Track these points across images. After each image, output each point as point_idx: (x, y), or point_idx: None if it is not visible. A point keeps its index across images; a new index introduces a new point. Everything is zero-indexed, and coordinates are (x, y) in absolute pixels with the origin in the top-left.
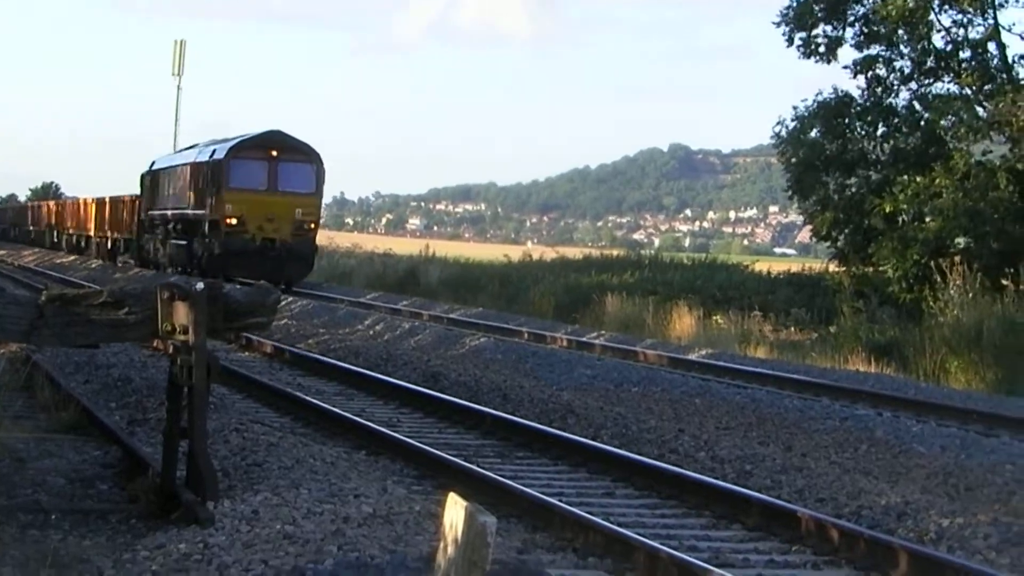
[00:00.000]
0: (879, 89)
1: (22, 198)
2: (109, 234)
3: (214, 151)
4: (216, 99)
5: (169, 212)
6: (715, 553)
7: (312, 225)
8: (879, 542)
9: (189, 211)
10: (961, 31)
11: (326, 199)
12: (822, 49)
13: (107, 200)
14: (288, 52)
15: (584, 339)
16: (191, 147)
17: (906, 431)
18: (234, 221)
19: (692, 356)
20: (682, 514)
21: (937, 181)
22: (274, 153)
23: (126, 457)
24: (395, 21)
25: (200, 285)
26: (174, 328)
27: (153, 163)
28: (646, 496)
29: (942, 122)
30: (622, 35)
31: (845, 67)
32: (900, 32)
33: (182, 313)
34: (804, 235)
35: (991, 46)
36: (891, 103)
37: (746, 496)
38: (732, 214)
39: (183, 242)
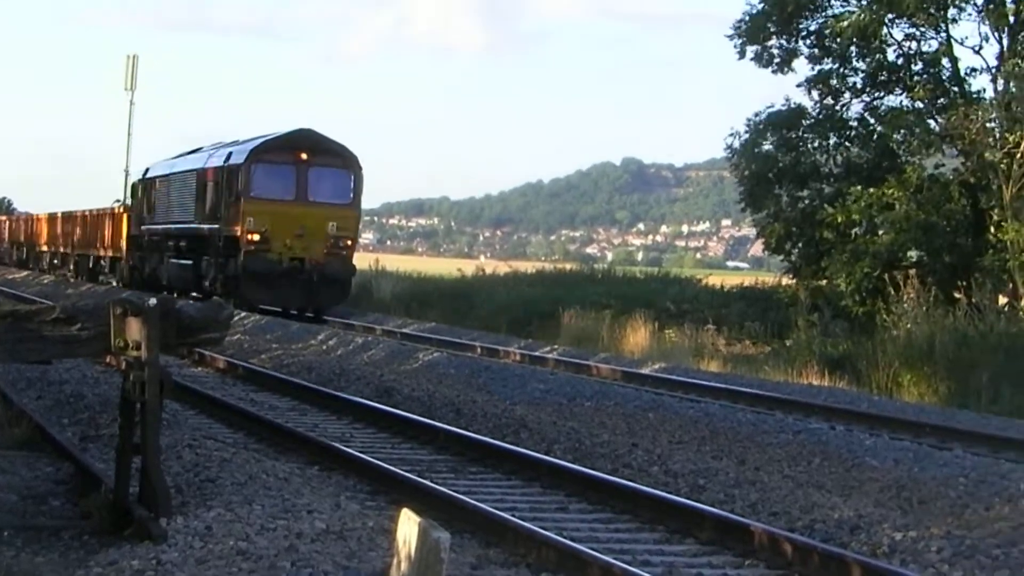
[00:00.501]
0: (832, 101)
1: None
2: (90, 252)
3: (229, 154)
4: (168, 113)
5: (171, 227)
6: (669, 568)
7: (348, 242)
8: (832, 556)
9: (197, 225)
10: (914, 44)
11: None
12: (777, 60)
13: (86, 214)
14: (236, 65)
15: (537, 353)
16: (194, 151)
17: (859, 444)
18: (256, 237)
19: (645, 370)
20: (636, 528)
21: (890, 192)
22: (304, 156)
23: (79, 473)
24: (344, 34)
25: (153, 301)
26: (127, 344)
27: (147, 170)
28: (600, 511)
29: (895, 136)
30: (574, 48)
31: (799, 85)
32: (853, 48)
33: (135, 329)
34: (757, 249)
35: (943, 60)
36: (844, 116)
37: (699, 510)
38: (685, 228)
39: (188, 262)
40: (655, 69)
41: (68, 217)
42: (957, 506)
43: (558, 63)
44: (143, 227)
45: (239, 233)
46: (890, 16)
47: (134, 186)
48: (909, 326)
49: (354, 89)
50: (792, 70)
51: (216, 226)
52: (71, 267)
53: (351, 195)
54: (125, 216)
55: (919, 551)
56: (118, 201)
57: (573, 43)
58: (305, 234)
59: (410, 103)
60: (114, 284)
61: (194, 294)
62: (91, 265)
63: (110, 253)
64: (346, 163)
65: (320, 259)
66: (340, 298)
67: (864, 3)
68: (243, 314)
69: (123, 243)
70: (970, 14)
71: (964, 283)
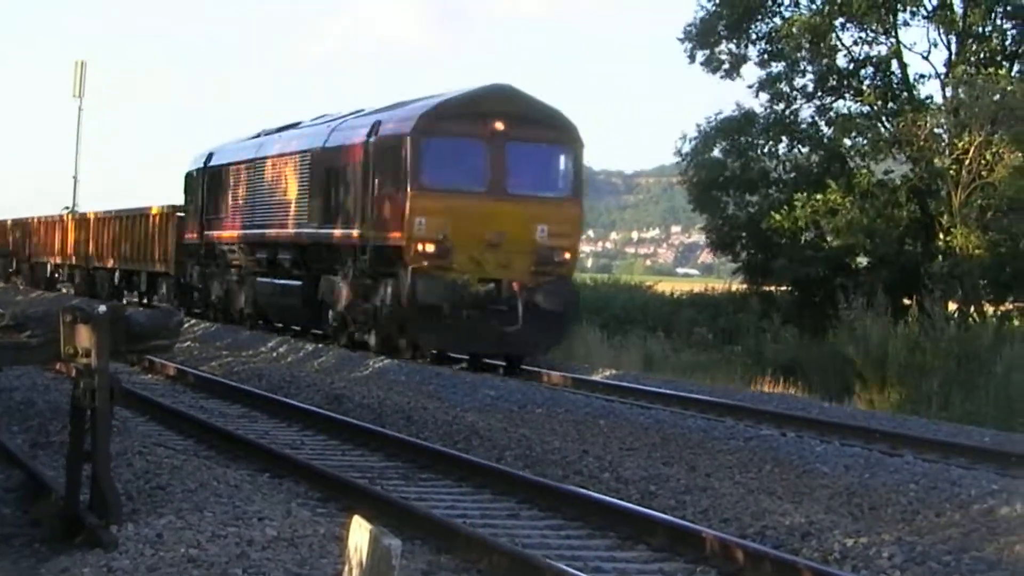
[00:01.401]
0: (782, 106)
1: None
2: (120, 265)
3: (377, 124)
4: (119, 124)
5: (261, 232)
6: (620, 574)
7: (567, 255)
8: (784, 562)
9: (314, 230)
10: (864, 49)
11: None
12: (726, 65)
13: (116, 217)
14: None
15: (487, 360)
16: (293, 125)
17: (810, 451)
18: (430, 248)
19: (596, 377)
20: (587, 535)
21: (833, 198)
22: (500, 126)
23: (29, 481)
24: (296, 46)
25: (102, 308)
26: (77, 351)
27: (210, 155)
28: (551, 517)
29: (845, 140)
30: (524, 55)
31: (749, 86)
32: (803, 51)
33: (85, 336)
34: (706, 255)
35: (893, 64)
36: (794, 120)
37: (651, 517)
38: (635, 234)
39: (293, 283)
40: (606, 72)
41: (82, 221)
42: (908, 512)
43: (511, 69)
44: (210, 233)
45: (404, 242)
46: (840, 19)
47: (188, 178)
48: (859, 332)
49: (304, 100)
50: (740, 76)
51: (351, 231)
52: (101, 284)
53: (571, 184)
54: (174, 220)
55: (870, 557)
56: (67, 208)
57: (524, 48)
58: (503, 243)
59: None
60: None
61: (314, 331)
62: (116, 282)
63: (154, 267)
64: (561, 135)
65: (526, 280)
66: (554, 341)
67: (815, 5)
68: (193, 321)
69: (170, 255)
70: (919, 19)
71: (914, 289)
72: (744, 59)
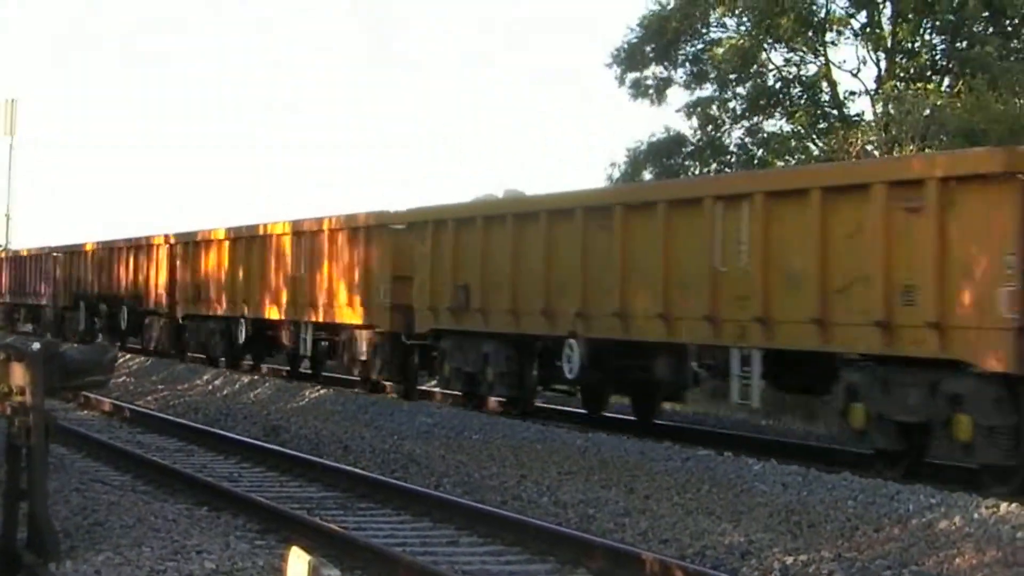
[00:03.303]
0: (711, 128)
1: None
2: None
3: None
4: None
5: None
6: None
7: None
8: None
9: None
10: (793, 69)
11: None
12: (652, 92)
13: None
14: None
15: (424, 387)
16: None
17: (748, 470)
18: None
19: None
20: (526, 560)
21: None
22: None
23: None
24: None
25: (36, 345)
26: (11, 389)
27: None
28: (490, 543)
29: (776, 161)
30: (454, 74)
31: (678, 111)
32: (732, 75)
33: (19, 374)
34: None
35: (822, 83)
36: (724, 142)
37: (590, 540)
38: None
39: None
40: (538, 97)
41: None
42: (847, 528)
43: (441, 93)
44: None
45: None
46: (769, 41)
47: None
48: None
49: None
50: (666, 101)
51: None
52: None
53: None
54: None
55: (810, 575)
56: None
57: (453, 68)
58: None
59: (292, 131)
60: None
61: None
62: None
63: None
64: None
65: None
66: None
67: (743, 29)
68: (128, 356)
69: None
70: (848, 37)
71: None
72: (670, 82)
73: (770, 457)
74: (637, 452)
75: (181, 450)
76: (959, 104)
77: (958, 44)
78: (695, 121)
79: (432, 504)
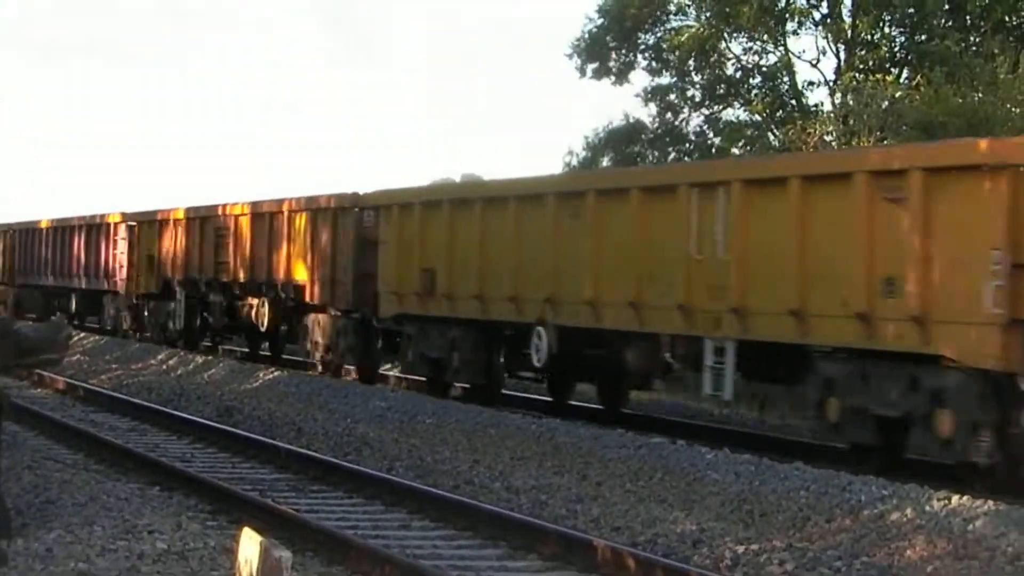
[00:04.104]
0: (670, 115)
1: None
2: None
3: None
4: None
5: None
6: None
7: None
8: (675, 570)
9: None
10: (753, 58)
11: None
12: (615, 72)
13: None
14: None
15: (379, 371)
16: None
17: (700, 458)
18: None
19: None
20: (478, 545)
21: None
22: None
23: None
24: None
25: None
26: None
27: None
28: (442, 527)
29: (733, 149)
30: (412, 57)
31: (636, 95)
32: (691, 62)
33: None
34: None
35: (782, 73)
36: (683, 130)
37: (541, 526)
38: None
39: None
40: (494, 83)
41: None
42: (799, 518)
43: (395, 72)
44: None
45: None
46: (728, 30)
47: None
48: None
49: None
50: (629, 82)
51: None
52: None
53: None
54: None
55: (761, 564)
56: None
57: (412, 53)
58: None
59: (260, 117)
60: None
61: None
62: None
63: None
64: None
65: None
66: None
67: (703, 18)
68: (82, 334)
69: None
70: (808, 28)
71: None
72: (632, 65)
73: (723, 446)
74: (591, 438)
75: (134, 429)
76: (917, 97)
77: (917, 37)
78: (653, 108)
79: (384, 488)
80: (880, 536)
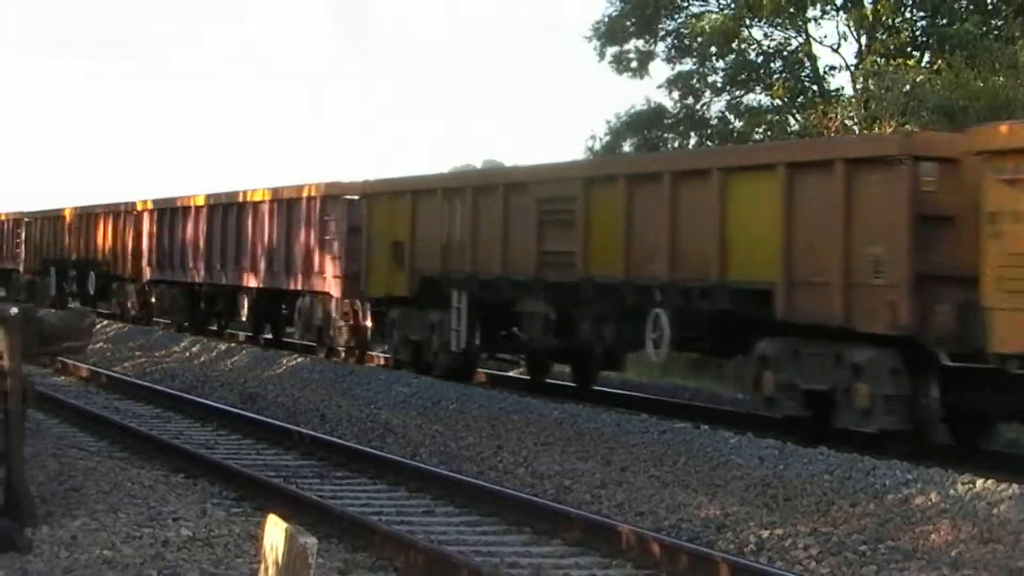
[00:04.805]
0: (692, 101)
1: None
2: None
3: None
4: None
5: None
6: (536, 569)
7: None
8: (700, 555)
9: None
10: (773, 43)
11: None
12: (634, 64)
13: None
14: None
15: (402, 357)
16: None
17: (724, 443)
18: None
19: (510, 372)
20: (503, 531)
21: None
22: None
23: None
24: (180, 50)
25: (14, 310)
26: None
27: None
28: (466, 513)
29: (755, 134)
30: (427, 48)
31: (659, 86)
32: (712, 48)
33: None
34: None
35: (803, 58)
36: (704, 114)
37: (566, 512)
38: None
39: None
40: (513, 69)
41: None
42: (823, 503)
43: (411, 61)
44: None
45: None
46: (749, 17)
47: None
48: None
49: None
50: (648, 74)
51: None
52: None
53: None
54: None
55: (786, 548)
56: None
57: (427, 42)
58: None
59: (264, 120)
60: None
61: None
62: None
63: None
64: None
65: None
66: None
67: (724, 4)
68: (105, 322)
69: None
70: (829, 13)
71: None
72: (652, 56)
73: (746, 430)
74: (614, 424)
75: (158, 416)
76: (939, 81)
77: (939, 21)
78: (675, 93)
79: (408, 474)
80: (904, 520)
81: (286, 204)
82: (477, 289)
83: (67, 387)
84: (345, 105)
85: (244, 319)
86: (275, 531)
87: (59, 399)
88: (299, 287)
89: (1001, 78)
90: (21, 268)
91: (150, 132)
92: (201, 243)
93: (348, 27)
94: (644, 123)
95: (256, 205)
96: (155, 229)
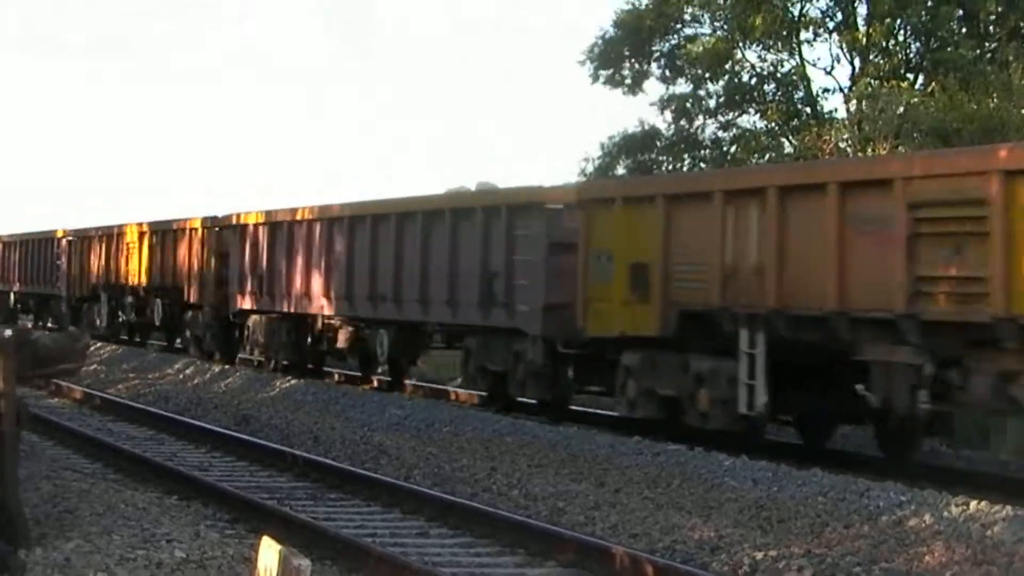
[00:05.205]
0: (686, 123)
1: None
2: None
3: None
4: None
5: None
6: None
7: None
8: None
9: None
10: (767, 66)
11: None
12: (628, 82)
13: None
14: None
15: (394, 379)
16: None
17: (718, 465)
18: None
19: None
20: (496, 552)
21: None
22: None
23: None
24: (180, 50)
25: (8, 332)
26: None
27: None
28: (460, 535)
29: (749, 157)
30: (422, 67)
31: (652, 104)
32: (707, 71)
33: None
34: None
35: (796, 81)
36: (698, 137)
37: (559, 533)
38: None
39: None
40: (506, 92)
41: None
42: (817, 524)
43: (411, 61)
44: None
45: None
46: (743, 40)
47: None
48: None
49: (191, 105)
50: (643, 91)
51: None
52: None
53: None
54: None
55: (780, 570)
56: None
57: (426, 42)
58: None
59: (265, 120)
60: None
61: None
62: None
63: None
64: None
65: None
66: None
67: (716, 26)
68: (98, 344)
69: None
70: (821, 35)
71: None
72: (646, 75)
73: (740, 453)
74: (607, 446)
75: (151, 439)
76: (932, 103)
77: (931, 44)
78: (669, 115)
79: (402, 495)
80: (899, 542)
81: (449, 214)
82: (785, 329)
83: (61, 409)
84: (345, 105)
85: (381, 361)
86: (269, 553)
87: (53, 421)
88: (472, 321)
89: (995, 100)
90: (63, 293)
91: (150, 132)
92: (318, 268)
93: (348, 27)
94: (637, 145)
95: (403, 217)
96: (256, 249)
